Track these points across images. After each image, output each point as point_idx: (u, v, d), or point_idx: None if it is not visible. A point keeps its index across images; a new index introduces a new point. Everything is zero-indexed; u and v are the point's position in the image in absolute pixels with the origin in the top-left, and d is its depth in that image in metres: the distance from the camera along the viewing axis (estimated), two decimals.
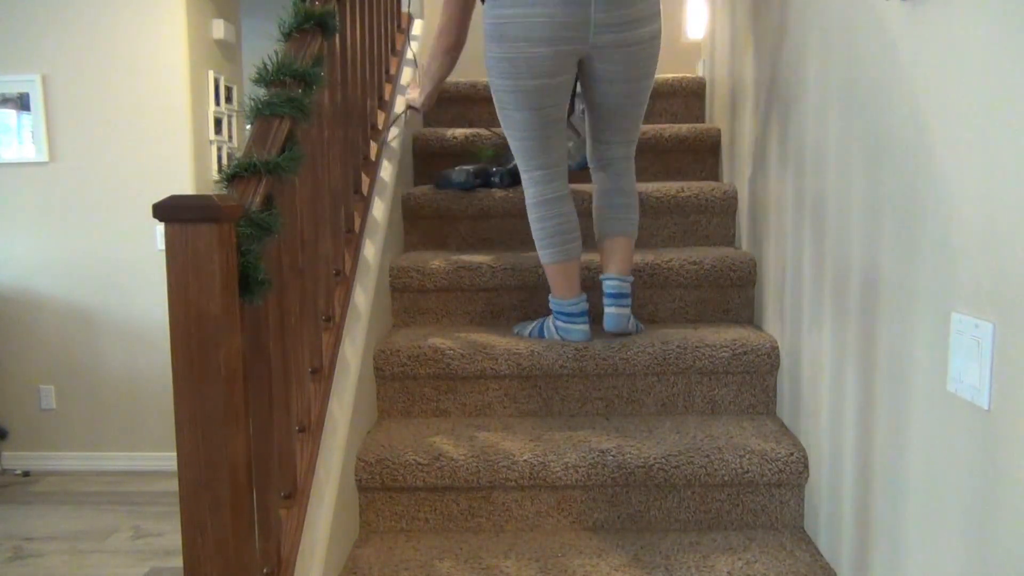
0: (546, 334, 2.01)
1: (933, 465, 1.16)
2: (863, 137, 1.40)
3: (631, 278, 1.96)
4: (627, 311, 1.95)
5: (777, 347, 1.94)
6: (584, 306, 1.96)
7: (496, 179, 2.41)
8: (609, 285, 1.95)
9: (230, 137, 4.15)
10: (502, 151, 2.59)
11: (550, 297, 1.98)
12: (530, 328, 2.05)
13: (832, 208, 1.56)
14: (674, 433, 1.84)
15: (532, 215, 1.94)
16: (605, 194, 1.99)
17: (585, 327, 1.96)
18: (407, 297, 2.24)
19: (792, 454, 1.73)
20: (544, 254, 1.94)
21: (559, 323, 1.97)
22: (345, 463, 1.66)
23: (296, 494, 1.41)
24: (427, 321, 2.24)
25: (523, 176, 1.95)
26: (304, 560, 1.40)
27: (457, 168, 2.42)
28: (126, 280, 3.81)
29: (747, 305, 2.20)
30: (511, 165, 2.44)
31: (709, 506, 1.76)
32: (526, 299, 2.19)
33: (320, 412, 1.58)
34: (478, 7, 1.99)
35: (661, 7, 1.85)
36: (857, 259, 1.44)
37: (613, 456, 1.73)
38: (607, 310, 1.95)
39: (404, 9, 3.01)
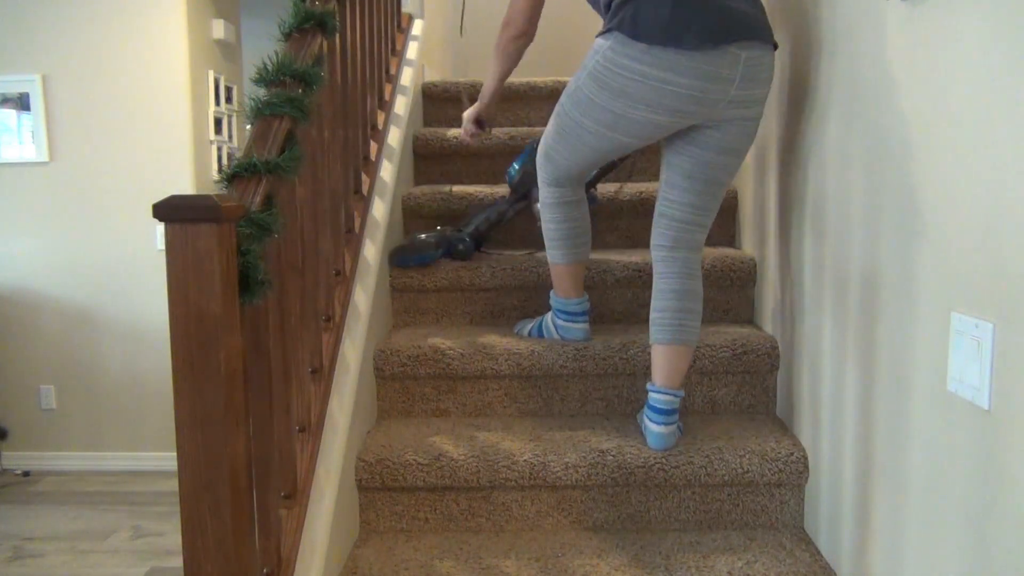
0: (545, 333, 2.00)
1: (933, 465, 1.16)
2: (863, 136, 1.40)
3: (682, 392, 1.74)
4: (674, 427, 1.74)
5: (777, 347, 1.94)
6: (586, 306, 1.95)
7: (461, 247, 2.21)
8: (657, 399, 1.72)
9: (230, 137, 4.14)
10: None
11: (553, 295, 1.97)
12: (529, 327, 2.04)
13: (832, 208, 1.56)
14: None
15: (549, 215, 1.87)
16: (675, 295, 1.72)
17: (585, 326, 1.95)
18: (407, 297, 2.24)
19: (792, 454, 1.73)
20: (556, 254, 1.90)
21: (559, 321, 1.96)
22: (345, 463, 1.66)
23: (296, 494, 1.41)
24: (427, 321, 2.24)
25: (543, 177, 1.84)
26: (304, 560, 1.40)
27: (417, 240, 2.18)
28: (126, 280, 3.81)
29: (747, 305, 2.20)
30: (471, 227, 2.25)
31: (709, 506, 1.76)
32: (526, 299, 2.19)
33: (320, 412, 1.58)
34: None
35: None
36: (857, 259, 1.44)
37: (613, 456, 1.73)
38: (652, 427, 1.72)
39: (404, 9, 3.01)
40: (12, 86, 3.74)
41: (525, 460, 1.73)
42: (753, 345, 1.94)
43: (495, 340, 2.01)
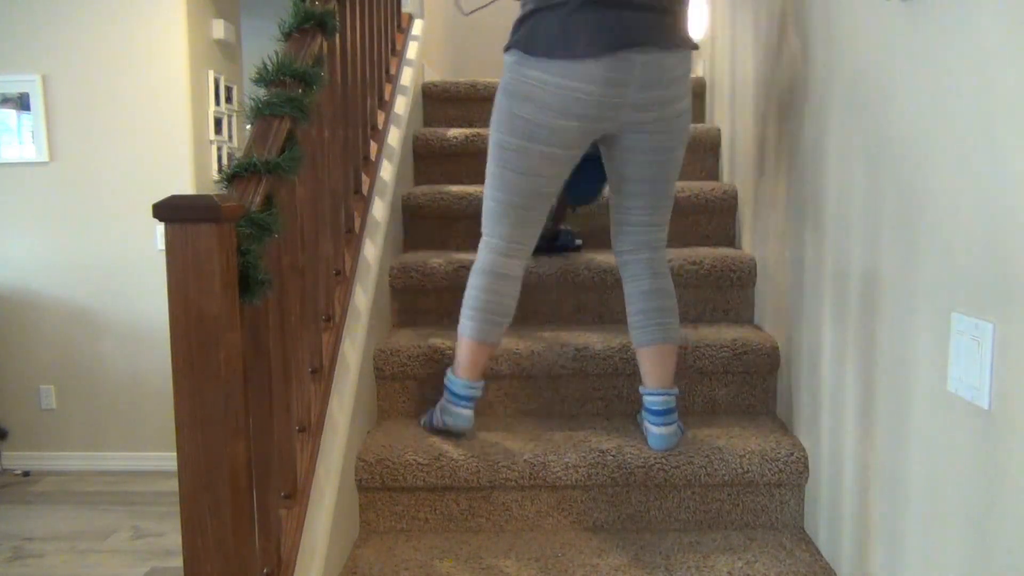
0: (434, 422, 1.84)
1: (933, 465, 1.16)
2: (863, 136, 1.40)
3: (676, 390, 1.76)
4: (674, 427, 1.75)
5: (777, 347, 1.94)
6: (475, 392, 1.77)
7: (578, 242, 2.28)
8: (651, 401, 1.74)
9: (230, 137, 4.14)
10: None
11: (448, 371, 1.80)
12: (424, 419, 1.91)
13: (832, 208, 1.56)
14: None
15: (475, 281, 1.74)
16: (644, 296, 1.75)
17: (469, 413, 1.78)
18: (407, 297, 2.24)
19: (792, 454, 1.73)
20: (469, 326, 1.73)
21: (445, 403, 1.80)
22: (345, 463, 1.66)
23: (296, 494, 1.41)
24: (427, 321, 2.24)
25: (484, 239, 1.76)
26: (304, 560, 1.40)
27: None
28: (126, 280, 3.81)
29: (747, 305, 2.20)
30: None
31: (709, 506, 1.76)
32: (525, 299, 2.19)
33: (320, 412, 1.58)
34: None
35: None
36: (857, 259, 1.44)
37: (613, 456, 1.73)
38: (652, 428, 1.74)
39: (404, 9, 3.01)
40: (12, 86, 3.74)
41: (525, 460, 1.73)
42: (753, 345, 1.94)
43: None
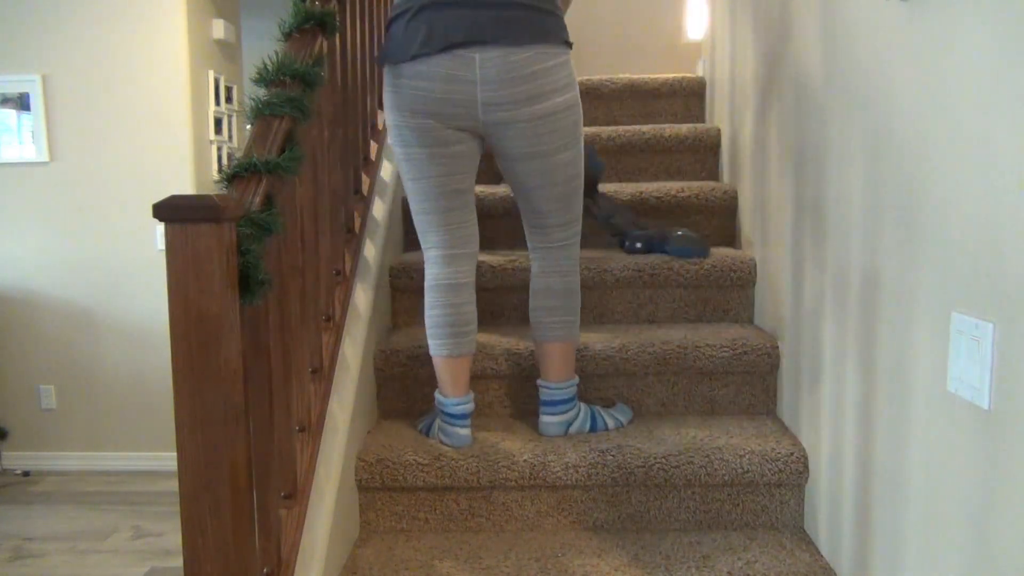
0: (431, 434, 1.84)
1: (933, 465, 1.16)
2: (863, 136, 1.40)
3: (571, 381, 1.81)
4: (565, 417, 1.81)
5: (777, 347, 1.94)
6: (466, 408, 1.76)
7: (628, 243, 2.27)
8: (542, 392, 1.82)
9: (230, 137, 4.14)
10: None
11: (436, 392, 1.80)
12: (422, 424, 1.90)
13: (832, 207, 1.56)
14: (674, 433, 1.84)
15: (426, 299, 1.76)
16: (534, 293, 1.80)
17: (466, 432, 1.77)
18: (407, 297, 2.24)
19: (792, 454, 1.73)
20: (433, 345, 1.75)
21: (441, 422, 1.79)
22: (345, 463, 1.66)
23: (296, 494, 1.41)
24: None
25: (425, 256, 1.78)
26: (304, 560, 1.40)
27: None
28: (126, 280, 3.81)
29: (747, 305, 2.20)
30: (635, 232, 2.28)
31: (709, 506, 1.76)
32: (526, 299, 2.19)
33: (320, 412, 1.58)
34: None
35: (571, 79, 1.65)
36: (857, 259, 1.44)
37: (613, 456, 1.73)
38: (541, 416, 1.83)
39: None
40: (12, 86, 3.74)
41: (525, 460, 1.73)
42: (753, 345, 1.94)
43: (495, 340, 2.01)
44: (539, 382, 1.84)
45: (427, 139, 1.66)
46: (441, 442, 1.79)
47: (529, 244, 1.82)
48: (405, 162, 1.71)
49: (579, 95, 1.70)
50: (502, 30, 1.57)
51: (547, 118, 1.63)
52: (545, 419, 1.83)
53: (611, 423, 1.87)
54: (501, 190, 2.44)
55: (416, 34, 1.60)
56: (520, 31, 1.58)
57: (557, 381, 1.81)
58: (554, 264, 1.79)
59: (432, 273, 1.75)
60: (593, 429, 1.85)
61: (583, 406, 1.86)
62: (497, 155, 1.72)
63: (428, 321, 1.75)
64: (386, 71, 1.68)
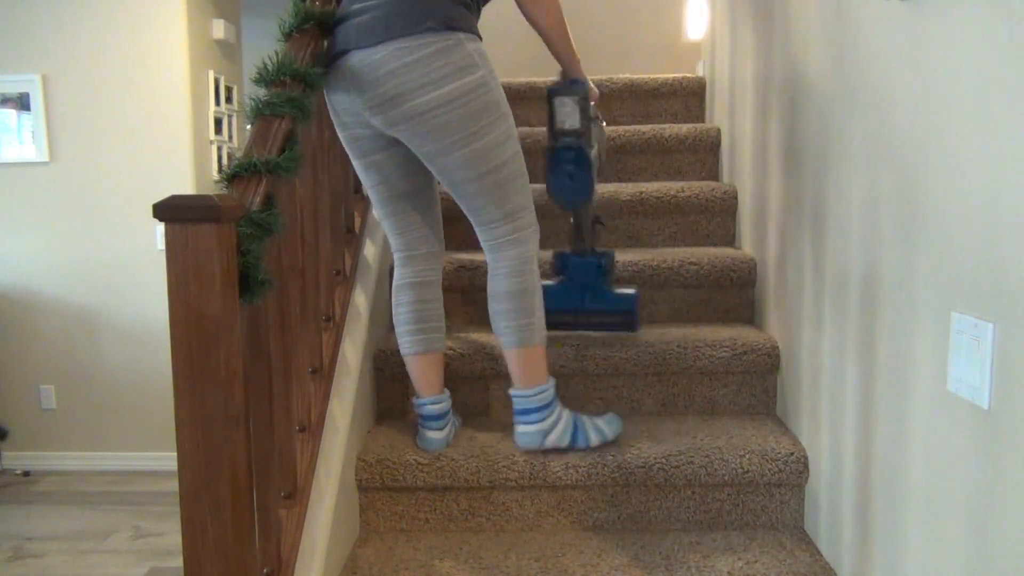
0: (418, 443, 1.80)
1: (933, 465, 1.16)
2: (863, 136, 1.40)
3: (539, 388, 1.69)
4: (540, 427, 1.70)
5: (777, 347, 1.94)
6: (438, 408, 1.75)
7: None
8: (513, 400, 1.72)
9: (230, 137, 4.14)
10: None
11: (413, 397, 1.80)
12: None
13: (832, 207, 1.56)
14: (674, 433, 1.84)
15: (393, 299, 1.79)
16: (489, 297, 1.71)
17: (439, 434, 1.75)
18: None
19: (792, 454, 1.73)
20: (400, 345, 1.77)
21: (418, 426, 1.79)
22: (345, 463, 1.66)
23: (296, 494, 1.41)
24: None
25: (394, 259, 1.80)
26: (304, 560, 1.40)
27: None
28: (126, 280, 3.81)
29: (747, 305, 2.20)
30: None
31: (709, 506, 1.76)
32: None
33: (320, 412, 1.58)
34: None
35: (459, 64, 1.51)
36: (857, 258, 1.44)
37: (613, 456, 1.73)
38: (515, 427, 1.73)
39: None
40: (12, 86, 3.74)
41: (525, 460, 1.73)
42: (753, 345, 1.94)
43: (494, 340, 2.01)
44: (512, 390, 1.72)
45: (354, 150, 1.68)
46: (417, 447, 1.77)
47: (482, 246, 1.73)
48: (357, 169, 1.73)
49: (487, 76, 1.55)
50: (362, 32, 1.52)
51: (430, 112, 1.50)
52: (517, 428, 1.72)
53: (595, 439, 1.74)
54: None
55: (330, 49, 1.61)
56: (374, 30, 1.51)
57: (522, 388, 1.70)
58: (501, 263, 1.67)
59: (397, 275, 1.78)
60: (573, 443, 1.73)
61: (567, 414, 1.74)
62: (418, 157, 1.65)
63: (395, 321, 1.77)
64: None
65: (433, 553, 1.66)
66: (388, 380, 2.01)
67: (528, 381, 1.69)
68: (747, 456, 1.72)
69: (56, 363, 3.87)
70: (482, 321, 2.22)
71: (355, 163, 1.72)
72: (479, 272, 2.17)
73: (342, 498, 1.62)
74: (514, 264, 1.66)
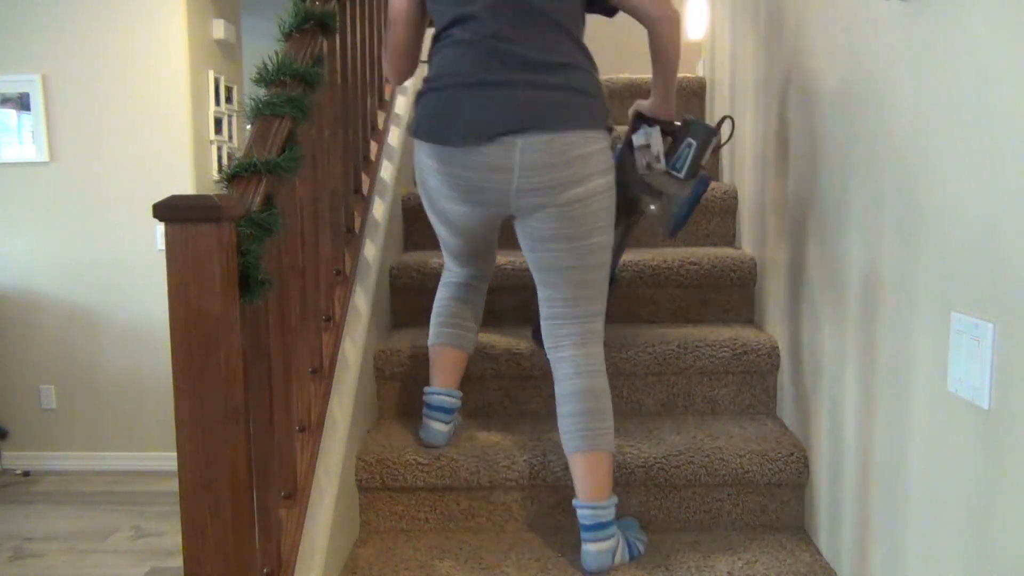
0: (421, 432, 1.80)
1: (933, 465, 1.16)
2: (864, 136, 1.40)
3: (610, 501, 1.56)
4: (609, 544, 1.56)
5: (777, 347, 1.94)
6: (446, 401, 1.76)
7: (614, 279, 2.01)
8: (582, 514, 1.56)
9: (230, 137, 4.14)
10: None
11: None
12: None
13: (832, 207, 1.56)
14: (674, 433, 1.84)
15: (436, 294, 1.85)
16: (564, 399, 1.59)
17: (443, 427, 1.76)
18: (407, 297, 2.24)
19: (792, 454, 1.73)
20: (430, 335, 1.81)
21: (423, 417, 1.80)
22: (345, 463, 1.66)
23: (296, 494, 1.41)
24: (427, 321, 2.23)
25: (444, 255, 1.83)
26: (304, 560, 1.40)
27: None
28: (126, 280, 3.81)
29: (747, 305, 2.20)
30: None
31: (709, 506, 1.76)
32: (527, 299, 2.19)
33: (320, 412, 1.58)
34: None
35: (609, 163, 1.55)
36: (857, 258, 1.44)
37: (614, 456, 1.73)
38: (583, 545, 1.57)
39: None
40: (12, 86, 3.74)
41: (525, 460, 1.73)
42: (753, 345, 1.94)
43: (495, 340, 2.01)
44: (580, 503, 1.57)
45: (457, 220, 1.65)
46: (419, 440, 1.78)
47: (551, 346, 1.62)
48: (432, 213, 1.69)
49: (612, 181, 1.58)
50: (552, 113, 1.48)
51: (583, 201, 1.52)
52: (588, 547, 1.56)
53: (642, 548, 1.65)
54: None
55: (457, 118, 1.50)
56: (569, 114, 1.49)
57: (595, 499, 1.55)
58: (587, 363, 1.59)
59: (446, 274, 1.84)
60: (632, 557, 1.62)
61: (618, 532, 1.61)
62: (523, 237, 1.60)
63: (434, 311, 1.81)
64: (415, 143, 1.62)
65: (433, 553, 1.66)
66: (388, 380, 2.01)
67: (601, 492, 1.56)
68: (747, 456, 1.72)
69: (56, 363, 3.87)
70: (483, 321, 2.21)
71: (443, 228, 1.70)
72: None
73: (342, 498, 1.62)
74: (595, 362, 1.59)
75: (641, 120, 1.80)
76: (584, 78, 1.53)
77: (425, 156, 1.58)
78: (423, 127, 1.57)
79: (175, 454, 1.15)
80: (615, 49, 3.71)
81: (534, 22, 1.51)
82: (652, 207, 1.84)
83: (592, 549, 1.55)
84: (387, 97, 2.51)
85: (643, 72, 3.67)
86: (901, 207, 1.25)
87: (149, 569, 2.85)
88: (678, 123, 1.79)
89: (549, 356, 1.63)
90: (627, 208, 1.85)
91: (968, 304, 1.06)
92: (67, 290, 3.83)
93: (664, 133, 1.77)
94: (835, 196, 1.54)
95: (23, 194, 3.80)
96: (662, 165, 1.76)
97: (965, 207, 1.06)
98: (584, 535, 1.56)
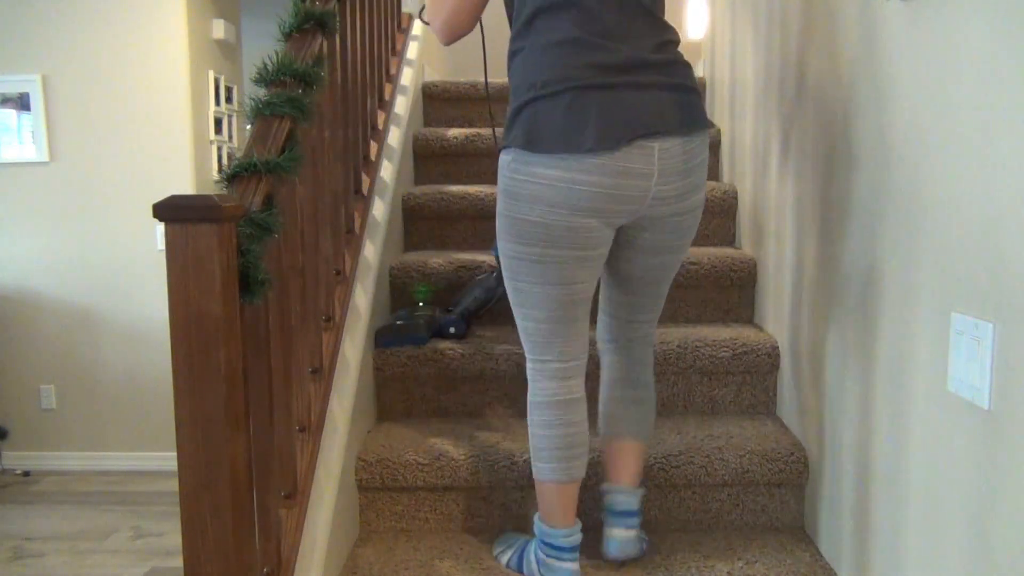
0: (525, 570, 1.57)
1: (933, 465, 1.16)
2: (864, 136, 1.40)
3: (642, 490, 1.59)
4: (635, 532, 1.57)
5: (777, 347, 1.94)
6: (578, 539, 1.51)
7: (453, 329, 2.03)
8: (614, 500, 1.55)
9: (230, 137, 4.14)
10: (438, 290, 2.21)
11: (536, 518, 1.54)
12: (509, 556, 1.63)
13: (832, 207, 1.56)
14: (674, 433, 1.84)
15: (536, 417, 1.49)
16: (619, 384, 1.59)
17: (575, 566, 1.51)
18: (407, 297, 2.23)
19: (792, 454, 1.73)
20: (542, 468, 1.49)
21: (542, 555, 1.52)
22: (345, 463, 1.66)
23: (296, 494, 1.41)
24: None
25: (531, 367, 1.51)
26: (304, 560, 1.40)
27: (405, 321, 2.01)
28: (126, 280, 3.81)
29: (747, 305, 2.20)
30: (461, 308, 2.08)
31: (709, 506, 1.76)
32: None
33: (320, 412, 1.58)
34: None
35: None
36: (857, 258, 1.44)
37: None
38: (611, 531, 1.55)
39: (404, 9, 3.01)
40: (12, 86, 3.74)
41: (525, 460, 1.73)
42: (753, 345, 1.94)
43: (495, 340, 2.01)
44: (610, 489, 1.57)
45: (580, 240, 1.39)
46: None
47: (608, 339, 1.61)
48: (534, 264, 1.41)
49: None
50: (680, 115, 1.38)
51: (694, 211, 1.48)
52: (614, 533, 1.54)
53: (644, 547, 1.66)
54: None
55: (586, 122, 1.33)
56: (693, 116, 1.40)
57: (636, 485, 1.57)
58: (645, 359, 1.61)
59: (549, 388, 1.49)
60: (642, 553, 1.63)
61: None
62: (632, 248, 1.49)
63: (540, 443, 1.49)
64: (522, 158, 1.38)
65: (433, 553, 1.66)
66: (388, 380, 2.01)
67: (638, 480, 1.58)
68: (747, 456, 1.72)
69: (56, 363, 3.87)
70: (482, 321, 2.22)
71: (565, 255, 1.40)
72: (480, 272, 2.17)
73: (342, 498, 1.62)
74: (650, 357, 1.63)
75: None
76: (693, 76, 1.44)
77: (543, 168, 1.36)
78: (546, 136, 1.36)
79: (175, 454, 1.15)
80: None
81: (636, 15, 1.39)
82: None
83: (619, 535, 1.55)
84: (387, 97, 2.51)
85: None
86: (901, 207, 1.25)
87: (149, 569, 2.85)
88: None
89: (601, 346, 1.63)
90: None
91: (968, 304, 1.06)
92: (67, 290, 3.83)
93: None
94: (835, 196, 1.54)
95: (23, 194, 3.80)
96: None
97: (965, 207, 1.06)
98: (614, 520, 1.55)
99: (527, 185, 1.38)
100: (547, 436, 1.48)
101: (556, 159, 1.35)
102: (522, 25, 1.40)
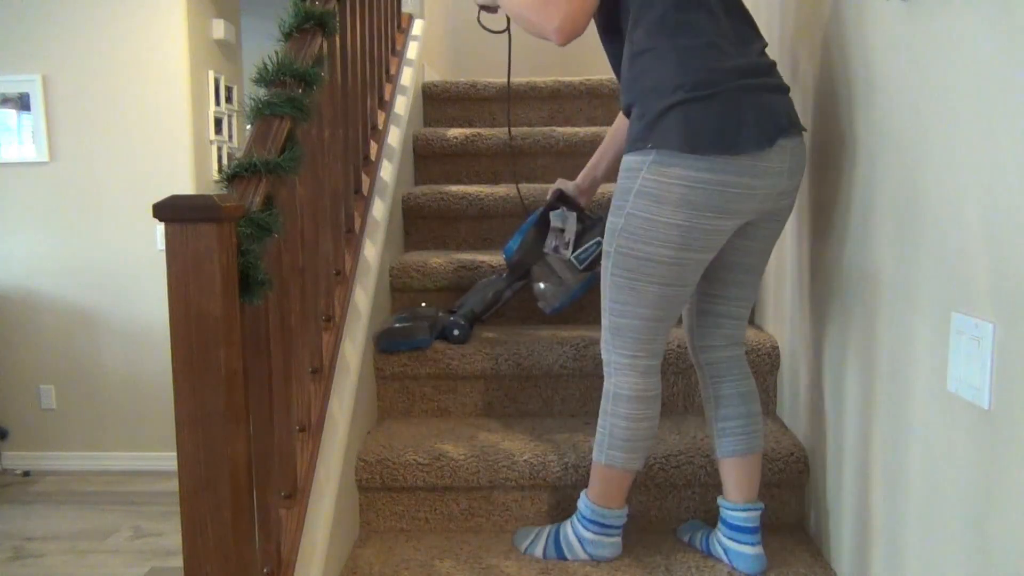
0: (567, 552, 1.62)
1: (933, 465, 1.16)
2: (864, 136, 1.40)
3: (762, 505, 1.59)
4: (761, 547, 1.59)
5: (777, 347, 1.94)
6: (625, 518, 1.62)
7: (456, 332, 2.00)
8: (740, 517, 1.57)
9: (230, 137, 4.15)
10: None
11: (586, 501, 1.60)
12: (542, 546, 1.65)
13: (832, 207, 1.56)
14: (674, 433, 1.84)
15: (621, 409, 1.52)
16: (735, 400, 1.59)
17: (619, 540, 1.62)
18: (407, 297, 2.24)
19: (792, 454, 1.73)
20: (616, 456, 1.54)
21: (590, 534, 1.59)
22: (345, 463, 1.66)
23: (296, 494, 1.41)
24: None
25: (619, 360, 1.52)
26: (304, 560, 1.40)
27: (407, 324, 2.00)
28: (126, 280, 3.81)
29: None
30: (466, 309, 2.05)
31: (709, 506, 1.76)
32: (527, 300, 2.19)
33: (320, 412, 1.58)
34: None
35: None
36: (857, 258, 1.44)
37: None
38: (740, 548, 1.57)
39: (404, 9, 3.01)
40: (12, 86, 3.74)
41: (525, 460, 1.73)
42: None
43: (496, 340, 2.01)
44: (733, 506, 1.59)
45: (713, 242, 1.43)
46: (590, 554, 1.61)
47: (715, 345, 1.61)
48: (660, 265, 1.44)
49: None
50: (794, 116, 1.46)
51: (792, 208, 1.53)
52: (744, 551, 1.57)
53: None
54: (500, 190, 2.44)
55: (740, 124, 1.37)
56: (798, 117, 1.47)
57: (750, 501, 1.58)
58: (746, 364, 1.63)
59: (635, 383, 1.53)
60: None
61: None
62: (747, 237, 1.51)
63: (623, 433, 1.53)
64: (669, 160, 1.38)
65: (433, 553, 1.66)
66: (388, 380, 2.01)
67: (756, 492, 1.60)
68: None
69: (56, 363, 3.87)
70: (482, 321, 2.22)
71: (699, 257, 1.44)
72: (480, 272, 2.17)
73: (342, 498, 1.62)
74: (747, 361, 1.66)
75: (561, 202, 1.93)
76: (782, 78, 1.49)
77: (694, 171, 1.37)
78: (701, 138, 1.37)
79: (175, 454, 1.15)
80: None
81: (744, 20, 1.47)
82: (541, 285, 1.98)
83: (750, 552, 1.57)
84: (387, 97, 2.52)
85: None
86: (901, 207, 1.25)
87: (149, 569, 2.85)
88: (593, 216, 1.94)
89: (712, 355, 1.61)
90: (518, 272, 2.01)
91: (968, 304, 1.06)
92: (67, 290, 3.84)
93: (577, 220, 1.90)
94: (835, 195, 1.54)
95: (23, 194, 3.80)
96: (568, 252, 1.88)
97: (965, 207, 1.06)
98: (744, 538, 1.58)
99: (674, 188, 1.38)
100: (629, 428, 1.53)
101: (707, 161, 1.37)
102: (652, 24, 1.42)
